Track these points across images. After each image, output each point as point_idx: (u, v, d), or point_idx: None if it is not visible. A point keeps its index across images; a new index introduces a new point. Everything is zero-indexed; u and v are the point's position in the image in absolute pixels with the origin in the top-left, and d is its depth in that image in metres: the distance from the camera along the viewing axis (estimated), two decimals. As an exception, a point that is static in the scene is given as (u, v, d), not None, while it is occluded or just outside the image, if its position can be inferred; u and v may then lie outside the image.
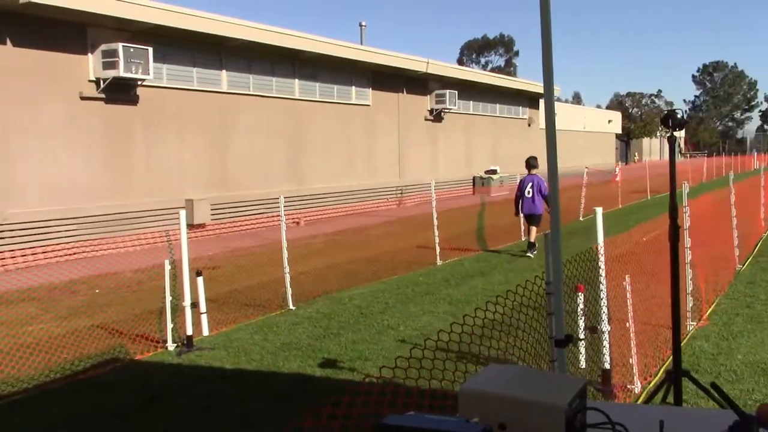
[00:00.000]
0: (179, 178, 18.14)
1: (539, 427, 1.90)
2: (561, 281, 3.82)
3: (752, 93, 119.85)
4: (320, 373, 6.59)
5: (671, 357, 6.65)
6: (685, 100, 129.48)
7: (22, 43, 14.57)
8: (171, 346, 7.50)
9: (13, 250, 13.97)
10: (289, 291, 9.37)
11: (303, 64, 22.47)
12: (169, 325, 7.53)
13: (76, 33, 15.66)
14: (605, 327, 5.97)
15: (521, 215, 14.24)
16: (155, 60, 16.76)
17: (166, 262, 7.50)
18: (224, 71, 19.68)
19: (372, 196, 25.53)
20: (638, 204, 24.11)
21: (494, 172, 32.43)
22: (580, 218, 19.64)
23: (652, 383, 6.07)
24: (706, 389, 4.65)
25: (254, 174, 20.52)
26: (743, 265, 11.28)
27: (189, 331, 7.44)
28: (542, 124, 42.71)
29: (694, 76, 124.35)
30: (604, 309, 5.99)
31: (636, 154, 78.58)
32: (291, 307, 9.30)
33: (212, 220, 18.45)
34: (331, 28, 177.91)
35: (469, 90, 32.22)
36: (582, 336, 6.31)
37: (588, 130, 54.90)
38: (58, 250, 14.84)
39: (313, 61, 22.54)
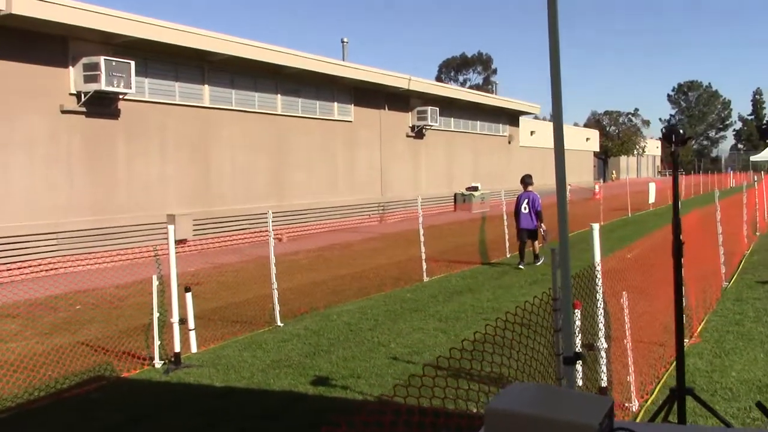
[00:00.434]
0: (161, 193, 17.95)
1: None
2: (570, 297, 3.75)
3: (726, 112, 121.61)
4: (313, 391, 6.46)
5: (667, 374, 6.66)
6: (661, 119, 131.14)
7: (1, 55, 14.38)
8: (158, 363, 7.34)
9: (-9, 266, 13.72)
10: (277, 307, 9.24)
11: (285, 80, 22.41)
12: (157, 342, 7.37)
13: (57, 46, 15.50)
14: (602, 344, 5.91)
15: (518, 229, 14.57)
16: (137, 74, 16.62)
17: (154, 277, 7.36)
18: (207, 86, 19.56)
19: (354, 212, 25.46)
20: (620, 221, 24.26)
21: (475, 188, 32.51)
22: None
23: (650, 401, 6.03)
24: (710, 408, 4.61)
25: (236, 189, 20.37)
26: (729, 282, 11.32)
27: (177, 348, 7.29)
28: (522, 141, 43.11)
29: (669, 96, 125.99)
30: (602, 326, 5.93)
31: (614, 172, 79.25)
32: (279, 323, 9.17)
33: (194, 235, 18.25)
34: (313, 44, 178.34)
35: (450, 107, 32.35)
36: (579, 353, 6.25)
37: (567, 147, 55.16)
38: (38, 265, 14.59)
39: (295, 76, 22.49)
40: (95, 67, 15.42)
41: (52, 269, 14.71)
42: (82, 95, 15.75)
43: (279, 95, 22.28)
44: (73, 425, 5.83)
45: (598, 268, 6.15)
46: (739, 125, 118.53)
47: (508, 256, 15.79)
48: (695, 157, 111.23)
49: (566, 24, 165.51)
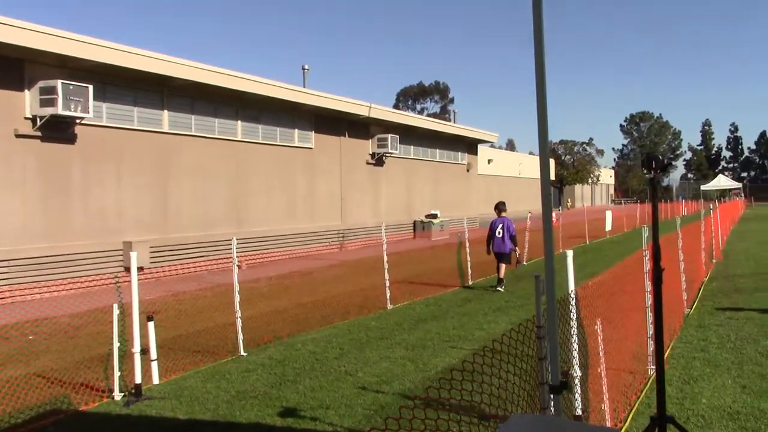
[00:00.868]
0: (117, 220, 17.57)
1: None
2: (556, 325, 3.67)
3: (676, 143, 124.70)
4: (281, 423, 6.27)
5: (638, 401, 6.62)
6: (614, 149, 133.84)
7: (-46, 77, 14.01)
8: (118, 395, 7.07)
9: (-62, 294, 13.21)
10: (241, 336, 9.02)
11: (246, 106, 22.25)
12: (117, 373, 7.10)
13: (12, 68, 15.15)
14: (577, 372, 5.85)
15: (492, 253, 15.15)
16: (95, 98, 16.33)
17: (115, 306, 7.10)
18: (166, 111, 19.30)
19: (314, 239, 25.27)
20: (579, 248, 24.47)
21: (435, 216, 32.57)
22: (524, 263, 19.78)
23: (623, 429, 5.97)
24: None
25: (195, 216, 20.06)
26: (691, 309, 11.43)
27: (138, 379, 7.03)
28: (480, 169, 43.42)
29: (622, 126, 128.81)
30: (576, 354, 5.87)
31: (569, 200, 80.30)
32: (242, 353, 8.94)
33: (151, 263, 17.87)
34: (274, 70, 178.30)
35: (409, 135, 32.48)
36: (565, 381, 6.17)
37: (524, 176, 55.94)
38: (-11, 293, 14.10)
39: (256, 102, 22.36)
40: (52, 90, 15.10)
41: (3, 298, 14.22)
42: (38, 119, 15.39)
43: (239, 121, 22.10)
44: (29, 462, 5.55)
45: (572, 294, 6.11)
46: (689, 155, 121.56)
47: (470, 283, 15.77)
48: (647, 186, 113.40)
49: (524, 55, 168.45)
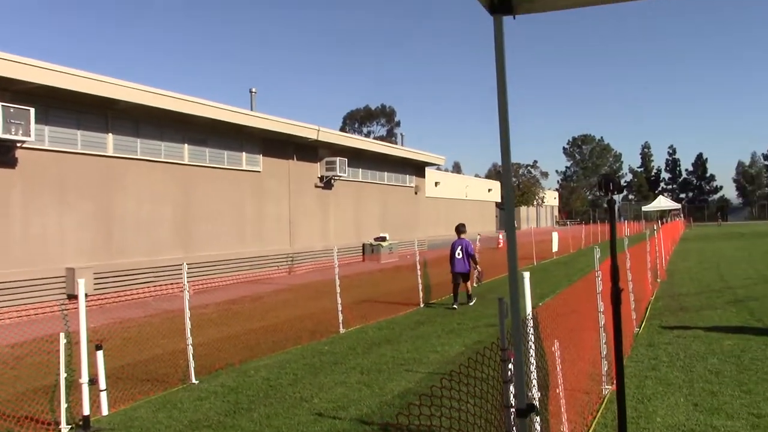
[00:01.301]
0: (60, 246, 17.09)
1: None
2: (522, 347, 3.65)
3: (618, 165, 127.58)
4: (236, 453, 6.11)
5: (595, 422, 6.65)
6: (557, 171, 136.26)
7: None
8: (65, 428, 6.79)
9: None
10: (192, 363, 8.80)
11: (193, 129, 21.98)
12: (63, 405, 6.83)
13: (-50, 91, 14.68)
14: (536, 394, 5.84)
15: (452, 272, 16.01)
16: (37, 121, 15.94)
17: (62, 335, 6.85)
18: (111, 134, 18.92)
19: (263, 263, 24.99)
20: (526, 269, 24.67)
21: (383, 239, 32.58)
22: (474, 284, 19.85)
23: (583, 450, 5.98)
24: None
25: (141, 241, 19.64)
26: (640, 328, 11.60)
27: (86, 411, 6.78)
28: (428, 192, 43.65)
29: (564, 148, 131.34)
30: (534, 376, 5.87)
31: (516, 222, 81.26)
32: (194, 381, 8.73)
33: (95, 290, 17.40)
34: (221, 93, 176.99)
35: (358, 158, 32.52)
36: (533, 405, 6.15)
37: (470, 198, 56.47)
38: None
39: (203, 125, 22.10)
40: (-9, 113, 14.67)
41: (-62, 328, 13.65)
42: (-24, 143, 14.93)
43: (186, 144, 21.80)
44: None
45: (530, 316, 6.12)
46: (629, 177, 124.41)
47: (421, 306, 15.76)
48: (590, 207, 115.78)
49: (470, 79, 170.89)
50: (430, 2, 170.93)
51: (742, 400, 7.18)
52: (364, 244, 32.47)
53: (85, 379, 6.88)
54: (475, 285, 16.47)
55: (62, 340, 6.88)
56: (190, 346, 8.89)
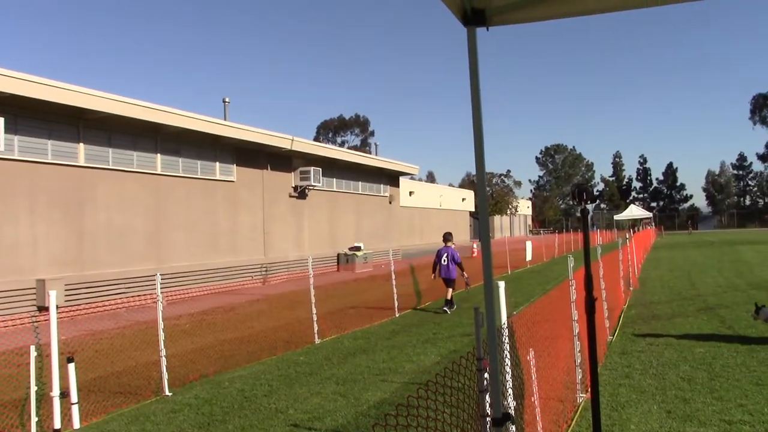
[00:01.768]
0: (30, 257, 16.86)
1: None
2: (497, 355, 3.66)
3: (590, 174, 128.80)
4: (211, 466, 6.05)
5: (570, 430, 6.68)
6: (530, 180, 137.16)
7: None
8: (35, 442, 6.70)
9: None
10: (165, 375, 8.71)
11: (165, 139, 21.84)
12: (34, 419, 6.73)
13: None
14: (511, 403, 5.86)
15: (439, 278, 16.76)
16: (7, 131, 15.77)
17: (32, 347, 6.75)
18: (82, 144, 18.73)
19: (237, 274, 24.84)
20: (500, 278, 24.81)
21: (358, 248, 32.55)
22: (465, 289, 19.92)
23: (558, 458, 6.00)
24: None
25: (112, 252, 19.44)
26: (613, 336, 11.68)
27: (57, 425, 6.68)
28: (402, 201, 43.70)
29: (537, 158, 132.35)
30: (510, 385, 5.88)
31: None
32: (167, 393, 8.64)
33: (66, 301, 17.18)
34: (193, 103, 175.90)
35: (332, 167, 32.51)
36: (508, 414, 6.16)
37: (444, 207, 56.64)
38: None
39: (175, 135, 21.97)
40: (-40, 122, 14.46)
41: None
42: (-56, 152, 14.70)
43: (159, 154, 21.64)
44: None
45: (505, 326, 6.14)
46: (601, 186, 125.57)
47: (397, 315, 15.76)
48: (563, 216, 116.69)
49: (443, 89, 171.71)
50: (404, 13, 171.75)
51: (714, 406, 7.26)
52: (338, 254, 32.42)
53: (56, 392, 6.79)
54: (465, 289, 17.34)
55: (33, 353, 6.78)
56: (164, 358, 8.80)
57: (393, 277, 16.36)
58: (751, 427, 6.52)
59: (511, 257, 29.73)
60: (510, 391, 5.91)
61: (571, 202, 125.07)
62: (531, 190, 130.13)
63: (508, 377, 5.97)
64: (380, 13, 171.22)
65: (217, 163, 24.53)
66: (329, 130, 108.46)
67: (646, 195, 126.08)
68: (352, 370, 9.94)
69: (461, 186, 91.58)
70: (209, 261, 23.51)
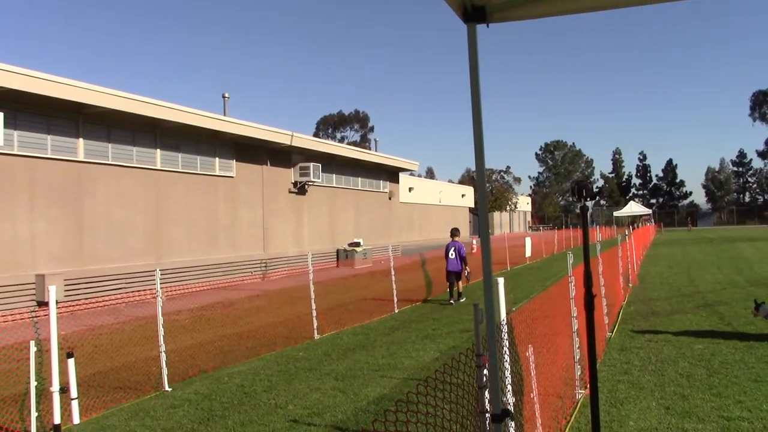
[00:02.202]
0: (30, 252, 16.86)
1: None
2: (496, 352, 3.67)
3: (589, 170, 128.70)
4: (210, 461, 6.06)
5: (569, 426, 6.70)
6: (530, 177, 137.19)
7: None
8: (35, 437, 6.71)
9: None
10: (165, 371, 8.72)
11: (165, 134, 21.83)
12: (34, 414, 6.73)
13: None
14: (510, 399, 5.87)
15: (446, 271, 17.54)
16: (6, 126, 15.75)
17: (32, 342, 6.75)
18: (81, 139, 18.73)
19: (236, 269, 24.85)
20: (500, 274, 24.78)
21: (357, 244, 32.56)
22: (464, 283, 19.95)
23: (557, 454, 6.01)
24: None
25: (112, 247, 19.45)
26: (612, 333, 11.70)
27: (57, 420, 6.68)
28: (402, 197, 43.72)
29: (537, 154, 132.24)
30: (509, 382, 5.89)
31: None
32: (166, 388, 8.65)
33: (66, 296, 17.19)
34: (193, 98, 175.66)
35: (331, 163, 32.50)
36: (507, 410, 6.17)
37: (443, 204, 56.63)
38: None
39: (175, 131, 21.96)
40: (-41, 117, 14.45)
41: None
42: (-56, 147, 14.69)
43: (158, 150, 21.64)
44: None
45: (504, 322, 6.15)
46: (601, 182, 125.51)
47: (396, 311, 15.77)
48: (562, 213, 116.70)
49: (443, 85, 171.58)
50: (404, 9, 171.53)
51: (713, 403, 7.28)
52: (338, 250, 32.43)
53: (56, 387, 6.79)
54: (464, 285, 17.97)
55: (32, 348, 6.78)
56: (163, 353, 8.81)
57: (392, 272, 16.37)
58: (750, 424, 6.54)
59: (510, 253, 29.74)
60: (509, 387, 5.92)
61: (570, 199, 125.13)
62: (530, 187, 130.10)
63: (508, 373, 5.97)
64: (381, 9, 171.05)
65: (217, 158, 24.52)
66: (329, 126, 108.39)
67: (645, 192, 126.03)
68: (352, 365, 9.95)
69: (461, 182, 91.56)
70: (209, 256, 23.52)
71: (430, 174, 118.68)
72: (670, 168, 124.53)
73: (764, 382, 8.04)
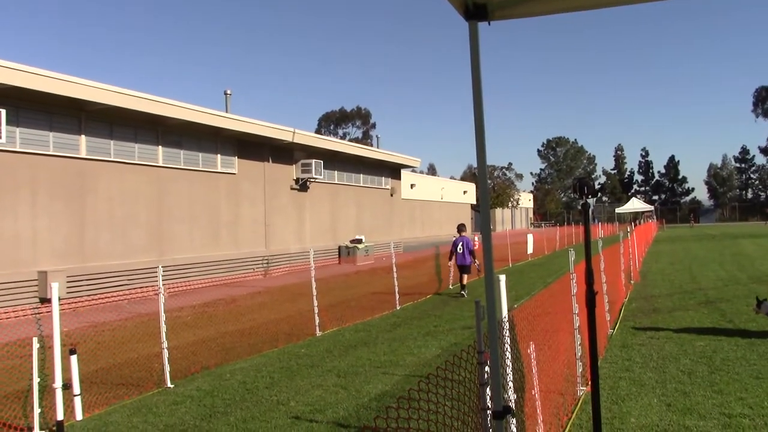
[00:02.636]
0: (32, 249, 16.89)
1: None
2: (497, 349, 3.68)
3: (591, 167, 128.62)
4: (213, 457, 6.08)
5: (570, 423, 6.71)
6: (532, 173, 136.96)
7: None
8: (38, 433, 6.73)
9: None
10: (167, 367, 8.74)
11: (167, 131, 21.84)
12: (37, 410, 6.76)
13: None
14: (511, 396, 5.88)
15: (455, 266, 18.69)
16: (8, 123, 15.78)
17: (35, 339, 6.77)
18: (83, 136, 18.74)
19: (238, 266, 24.88)
20: (502, 271, 24.84)
21: (359, 241, 32.56)
22: (450, 286, 19.97)
23: (558, 451, 6.02)
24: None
25: (114, 244, 19.47)
26: (614, 330, 11.71)
27: (60, 416, 6.70)
28: (404, 194, 43.71)
29: (539, 151, 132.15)
30: (510, 379, 5.90)
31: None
32: (169, 384, 8.67)
33: (68, 293, 17.22)
34: (195, 95, 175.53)
35: (333, 160, 32.50)
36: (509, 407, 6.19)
37: (445, 200, 56.62)
38: None
39: (177, 127, 21.97)
40: (-39, 114, 14.47)
41: None
42: (-54, 144, 14.71)
43: (160, 146, 21.65)
44: None
45: (506, 319, 6.16)
46: (603, 179, 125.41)
47: (398, 308, 15.79)
48: (564, 209, 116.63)
49: (445, 82, 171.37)
50: (406, 6, 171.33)
51: (714, 400, 7.29)
52: (340, 247, 32.44)
53: (58, 383, 6.81)
54: (478, 277, 19.01)
55: (35, 344, 6.80)
56: (165, 350, 8.83)
57: (394, 269, 16.38)
58: (751, 421, 6.55)
59: (512, 250, 29.75)
60: (510, 384, 5.92)
61: (572, 195, 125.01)
62: (532, 183, 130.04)
63: (509, 370, 5.98)
64: (383, 6, 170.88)
65: (219, 155, 24.53)
66: (331, 123, 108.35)
67: (647, 188, 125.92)
68: (353, 362, 9.97)
69: (463, 178, 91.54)
70: (211, 253, 23.54)
71: (431, 171, 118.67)
72: (672, 164, 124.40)
73: (766, 379, 8.05)
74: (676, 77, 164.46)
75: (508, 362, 6.00)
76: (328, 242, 31.80)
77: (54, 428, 6.74)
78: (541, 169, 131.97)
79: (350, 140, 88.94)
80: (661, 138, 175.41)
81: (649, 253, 32.55)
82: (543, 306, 7.61)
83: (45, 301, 16.45)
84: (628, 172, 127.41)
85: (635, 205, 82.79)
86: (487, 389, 3.86)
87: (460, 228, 18.90)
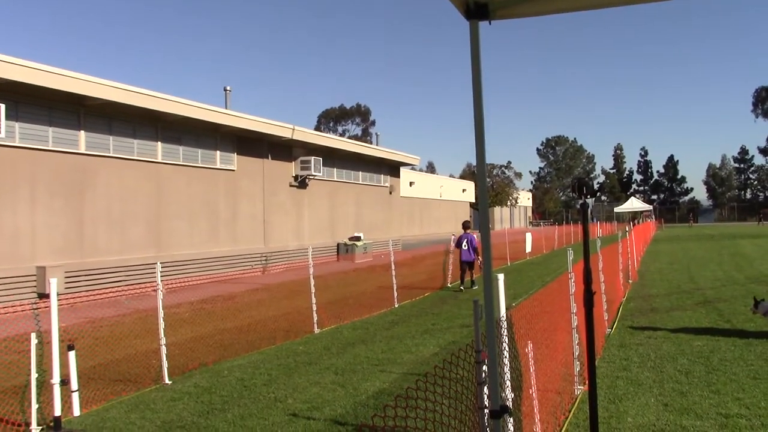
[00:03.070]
0: (30, 244, 16.88)
1: None
2: (495, 348, 3.68)
3: (590, 166, 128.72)
4: (210, 454, 6.08)
5: (567, 422, 6.71)
6: (531, 172, 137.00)
7: None
8: (36, 429, 6.71)
9: None
10: (165, 364, 8.74)
11: (166, 127, 21.82)
12: (34, 406, 6.75)
13: None
14: (509, 395, 5.88)
15: (456, 263, 19.56)
16: (8, 117, 15.75)
17: (33, 335, 6.77)
18: (82, 131, 18.72)
19: (236, 262, 24.87)
20: (500, 269, 24.86)
21: (358, 239, 32.56)
22: (449, 284, 19.98)
23: (555, 450, 6.02)
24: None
25: (113, 239, 19.46)
26: (612, 329, 11.72)
27: (57, 412, 6.70)
28: (403, 191, 43.68)
29: (538, 149, 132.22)
30: (508, 377, 5.91)
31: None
32: (166, 381, 8.67)
33: (66, 289, 17.21)
34: (195, 91, 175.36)
35: (332, 157, 32.49)
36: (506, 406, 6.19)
37: (444, 198, 56.63)
38: None
39: (176, 123, 21.95)
40: (-40, 109, 14.45)
41: None
42: (-55, 139, 14.69)
43: (159, 142, 21.63)
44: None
45: (504, 318, 6.16)
46: (602, 178, 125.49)
47: (396, 305, 15.79)
48: (563, 208, 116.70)
49: (445, 80, 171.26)
50: (408, 4, 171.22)
51: (711, 400, 7.30)
52: (338, 244, 32.44)
53: (56, 379, 6.81)
54: (478, 275, 19.04)
55: (33, 340, 6.80)
56: (163, 346, 8.83)
57: (392, 267, 16.38)
58: (748, 421, 6.56)
59: (510, 249, 29.75)
60: (508, 383, 5.93)
61: (571, 194, 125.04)
62: (531, 182, 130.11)
63: (507, 369, 5.99)
64: (384, 3, 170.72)
65: (218, 151, 24.52)
66: (330, 120, 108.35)
67: (646, 187, 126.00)
68: (351, 360, 9.97)
69: (462, 177, 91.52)
70: (209, 249, 23.54)
71: (431, 168, 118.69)
72: (671, 164, 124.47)
73: (763, 380, 8.06)
74: (676, 77, 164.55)
75: (506, 361, 5.99)
76: (326, 239, 31.80)
77: (51, 424, 6.74)
78: (540, 168, 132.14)
79: (350, 137, 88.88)
80: (661, 138, 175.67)
81: (648, 253, 32.57)
82: (541, 305, 7.61)
83: (43, 296, 16.45)
84: (627, 172, 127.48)
85: (634, 204, 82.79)
86: (485, 388, 3.86)
87: (465, 225, 19.43)
